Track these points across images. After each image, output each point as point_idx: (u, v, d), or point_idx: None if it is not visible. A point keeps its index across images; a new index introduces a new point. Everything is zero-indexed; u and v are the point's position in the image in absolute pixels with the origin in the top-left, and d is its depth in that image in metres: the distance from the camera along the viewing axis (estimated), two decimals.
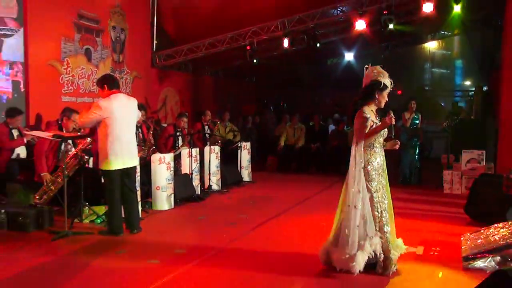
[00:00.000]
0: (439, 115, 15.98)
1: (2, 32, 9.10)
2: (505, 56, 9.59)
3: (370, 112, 5.00)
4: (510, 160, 7.91)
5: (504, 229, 5.50)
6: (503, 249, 5.15)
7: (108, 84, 6.49)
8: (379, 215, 5.00)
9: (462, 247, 5.60)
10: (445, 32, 18.17)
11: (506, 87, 9.42)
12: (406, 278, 4.99)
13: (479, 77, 18.20)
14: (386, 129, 5.05)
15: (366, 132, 4.93)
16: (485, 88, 16.13)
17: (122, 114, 6.37)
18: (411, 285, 4.81)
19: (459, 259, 5.39)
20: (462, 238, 5.86)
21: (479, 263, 5.14)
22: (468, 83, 19.70)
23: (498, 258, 5.13)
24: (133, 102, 6.63)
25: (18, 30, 9.46)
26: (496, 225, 5.75)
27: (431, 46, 19.65)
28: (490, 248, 5.23)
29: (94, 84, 11.46)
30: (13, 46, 9.39)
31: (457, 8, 12.43)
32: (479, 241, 5.52)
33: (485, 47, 17.30)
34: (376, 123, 4.99)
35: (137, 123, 7.26)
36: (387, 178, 5.19)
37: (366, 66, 5.19)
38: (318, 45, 13.01)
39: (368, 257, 4.90)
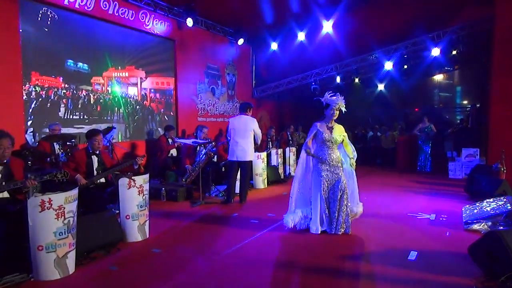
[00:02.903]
0: (447, 125, 15.00)
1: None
2: (492, 84, 9.00)
3: (320, 126, 4.76)
4: (497, 155, 7.34)
5: (494, 203, 5.13)
6: (493, 217, 4.85)
7: (239, 109, 6.87)
8: (326, 195, 4.71)
9: (463, 215, 5.28)
10: (448, 68, 17.13)
11: (493, 105, 8.88)
12: (423, 234, 4.76)
13: (473, 98, 16.98)
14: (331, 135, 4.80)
15: (310, 139, 4.79)
16: (478, 105, 15.03)
17: (239, 128, 6.55)
18: (427, 239, 4.56)
19: (461, 223, 5.11)
20: (463, 209, 5.51)
21: (476, 226, 4.86)
22: (465, 102, 18.36)
23: (489, 223, 4.83)
24: (251, 121, 6.64)
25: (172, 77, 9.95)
26: (487, 200, 5.37)
27: (439, 77, 18.52)
28: (484, 216, 4.93)
29: (217, 109, 11.87)
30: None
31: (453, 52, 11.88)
32: (475, 211, 5.20)
33: (477, 78, 16.10)
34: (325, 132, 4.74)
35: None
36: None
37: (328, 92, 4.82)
38: (359, 80, 12.74)
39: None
